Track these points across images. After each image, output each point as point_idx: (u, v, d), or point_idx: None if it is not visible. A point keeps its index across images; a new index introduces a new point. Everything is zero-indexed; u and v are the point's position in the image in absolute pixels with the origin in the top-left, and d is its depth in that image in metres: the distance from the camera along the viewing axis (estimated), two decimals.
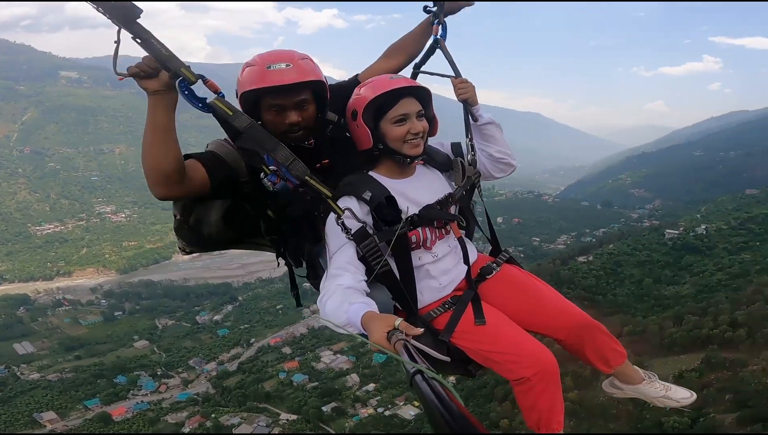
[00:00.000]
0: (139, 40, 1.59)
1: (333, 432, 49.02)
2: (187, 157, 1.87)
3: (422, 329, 1.39)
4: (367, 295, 1.80)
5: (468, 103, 2.22)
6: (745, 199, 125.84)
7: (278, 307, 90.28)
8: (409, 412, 56.34)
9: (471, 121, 2.23)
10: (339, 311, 1.65)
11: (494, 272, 2.19)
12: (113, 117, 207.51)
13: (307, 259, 2.28)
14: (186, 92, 1.69)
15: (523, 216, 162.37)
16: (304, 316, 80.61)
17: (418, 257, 2.02)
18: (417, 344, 1.30)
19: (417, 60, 2.56)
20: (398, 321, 1.38)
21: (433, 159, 2.16)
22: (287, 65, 1.88)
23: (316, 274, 2.27)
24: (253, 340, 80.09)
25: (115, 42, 1.58)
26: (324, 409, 56.19)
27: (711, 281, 73.30)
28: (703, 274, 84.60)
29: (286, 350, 73.90)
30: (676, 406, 2.25)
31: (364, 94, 1.93)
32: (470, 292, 2.03)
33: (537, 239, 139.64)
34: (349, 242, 1.86)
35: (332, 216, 1.91)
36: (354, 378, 65.55)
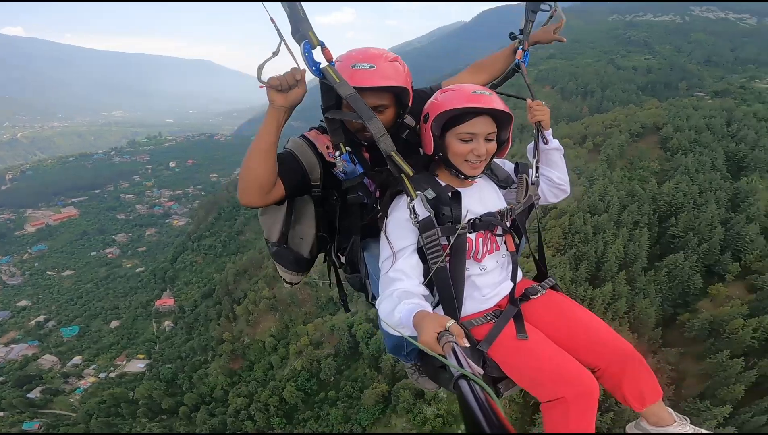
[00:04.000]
0: None
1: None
2: None
3: (468, 343, 1.31)
4: (426, 296, 1.80)
5: (541, 125, 2.21)
6: None
7: None
8: (137, 365, 61.98)
9: (541, 144, 2.24)
10: (394, 312, 1.62)
11: (539, 294, 2.13)
12: None
13: (349, 252, 2.28)
14: (307, 54, 1.76)
15: (197, 157, 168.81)
16: None
17: (467, 268, 1.96)
18: (456, 348, 1.26)
19: (496, 81, 2.62)
20: (450, 323, 1.32)
21: (494, 173, 2.12)
22: (371, 66, 1.89)
23: (355, 269, 2.30)
24: None
25: (274, 53, 1.71)
26: (31, 396, 55.85)
27: None
28: None
29: None
30: None
31: (441, 100, 1.87)
32: (513, 308, 1.99)
33: (215, 175, 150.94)
34: (411, 247, 1.84)
35: (397, 214, 1.88)
36: (50, 358, 65.30)
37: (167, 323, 70.80)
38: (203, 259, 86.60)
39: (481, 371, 1.64)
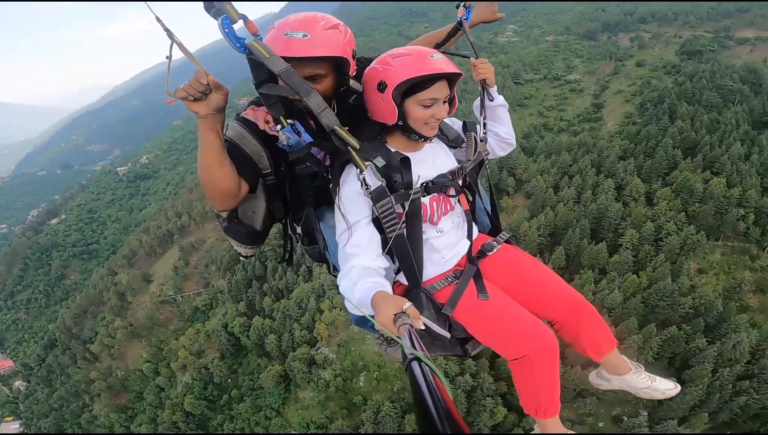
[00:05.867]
0: None
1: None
2: None
3: (424, 326, 1.33)
4: (386, 269, 1.81)
5: (486, 83, 2.18)
6: (173, 129, 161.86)
7: None
8: (11, 427, 56.69)
9: (487, 101, 2.22)
10: (353, 290, 1.63)
11: (495, 250, 2.17)
12: None
13: (304, 223, 2.21)
14: (227, 30, 1.61)
15: None
16: None
17: (423, 231, 1.97)
18: (424, 320, 1.33)
19: (440, 41, 2.53)
20: (407, 305, 1.35)
21: (443, 134, 2.10)
22: (304, 35, 1.73)
23: (312, 241, 2.24)
24: None
25: (167, 57, 1.51)
26: None
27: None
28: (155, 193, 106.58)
29: None
30: (661, 398, 2.25)
31: (398, 67, 1.78)
32: (473, 268, 2.03)
33: (3, 226, 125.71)
34: (365, 220, 1.81)
35: (349, 187, 1.85)
36: None
37: (18, 383, 66.55)
38: (26, 314, 78.46)
39: (448, 335, 1.68)
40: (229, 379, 47.97)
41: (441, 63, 1.80)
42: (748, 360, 34.34)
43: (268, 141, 1.96)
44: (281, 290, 52.40)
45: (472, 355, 2.10)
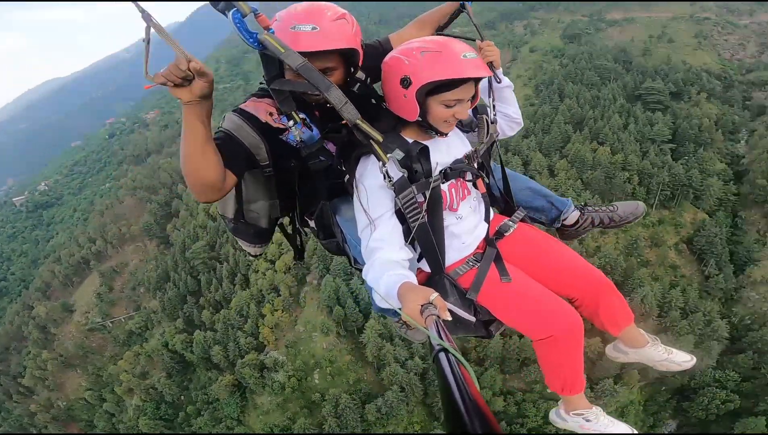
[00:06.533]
0: None
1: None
2: None
3: (450, 317, 1.33)
4: (410, 260, 1.82)
5: (493, 65, 2.10)
6: (73, 150, 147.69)
7: None
8: None
9: (494, 83, 2.20)
10: (379, 283, 1.65)
11: (511, 230, 2.18)
12: None
13: (318, 217, 2.18)
14: (239, 25, 1.58)
15: None
16: None
17: (444, 218, 1.97)
18: (447, 304, 1.34)
19: (442, 24, 2.45)
20: (433, 296, 1.36)
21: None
22: (313, 28, 1.69)
23: (329, 234, 2.21)
24: None
25: (143, 40, 1.39)
26: None
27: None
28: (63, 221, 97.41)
29: None
30: (677, 370, 2.23)
31: (427, 66, 1.71)
32: (493, 250, 2.04)
33: None
34: (388, 213, 1.82)
35: (370, 181, 1.83)
36: None
37: None
38: None
39: (473, 319, 1.80)
40: (182, 396, 46.96)
41: (473, 66, 1.75)
42: (658, 313, 39.64)
43: (267, 133, 1.90)
44: (219, 301, 51.81)
45: (495, 335, 2.12)
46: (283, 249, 50.89)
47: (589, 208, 2.56)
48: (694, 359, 2.30)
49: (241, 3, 1.57)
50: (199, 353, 46.50)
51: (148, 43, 1.40)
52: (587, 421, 2.09)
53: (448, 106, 1.80)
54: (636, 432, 2.13)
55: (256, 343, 45.15)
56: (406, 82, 1.75)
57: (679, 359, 2.23)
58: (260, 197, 2.09)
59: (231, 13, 1.59)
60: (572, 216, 2.49)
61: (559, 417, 2.22)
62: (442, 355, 0.92)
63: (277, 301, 46.38)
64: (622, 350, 2.28)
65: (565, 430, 2.21)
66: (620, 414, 34.83)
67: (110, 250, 69.39)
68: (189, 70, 1.45)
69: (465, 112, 1.85)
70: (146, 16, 1.37)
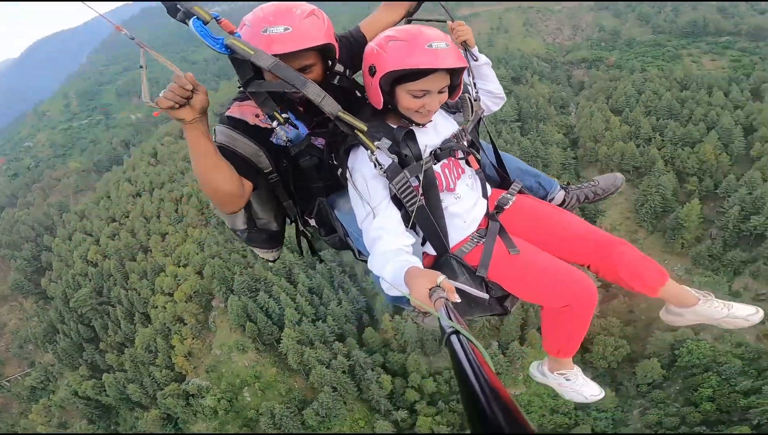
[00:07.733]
0: None
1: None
2: None
3: (459, 298, 1.33)
4: (413, 245, 1.80)
5: (467, 44, 2.12)
6: None
7: None
8: None
9: (472, 62, 2.18)
10: (384, 271, 1.63)
11: (510, 202, 2.16)
12: None
13: (317, 214, 2.18)
14: (202, 32, 1.57)
15: None
16: None
17: (441, 200, 1.94)
18: (458, 285, 1.36)
19: (411, 9, 2.46)
20: (441, 278, 1.35)
21: None
22: (285, 29, 1.68)
23: (330, 230, 2.21)
24: None
25: (141, 66, 1.44)
26: None
27: None
28: None
29: None
30: (746, 325, 2.02)
31: (391, 54, 1.72)
32: (496, 224, 2.01)
33: None
34: (385, 201, 1.81)
35: (362, 171, 1.82)
36: None
37: None
38: None
39: (487, 296, 1.77)
40: None
41: (438, 56, 1.70)
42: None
43: (262, 138, 1.90)
44: (121, 343, 49.88)
45: (512, 311, 2.08)
46: (179, 280, 49.48)
47: (572, 187, 2.59)
48: (761, 311, 2.11)
49: (200, 11, 1.58)
50: (114, 395, 44.66)
51: (144, 68, 1.45)
52: (567, 380, 2.20)
53: (415, 97, 1.79)
54: (603, 394, 2.27)
55: (173, 374, 44.21)
56: (372, 71, 1.79)
57: (743, 313, 2.07)
58: (265, 200, 2.12)
59: (191, 21, 1.59)
60: (558, 196, 2.54)
61: (540, 372, 2.32)
62: (453, 338, 0.90)
63: (184, 329, 45.71)
64: (676, 312, 2.16)
65: (539, 384, 2.31)
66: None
67: None
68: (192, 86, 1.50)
69: (435, 103, 1.83)
70: (139, 43, 1.44)
